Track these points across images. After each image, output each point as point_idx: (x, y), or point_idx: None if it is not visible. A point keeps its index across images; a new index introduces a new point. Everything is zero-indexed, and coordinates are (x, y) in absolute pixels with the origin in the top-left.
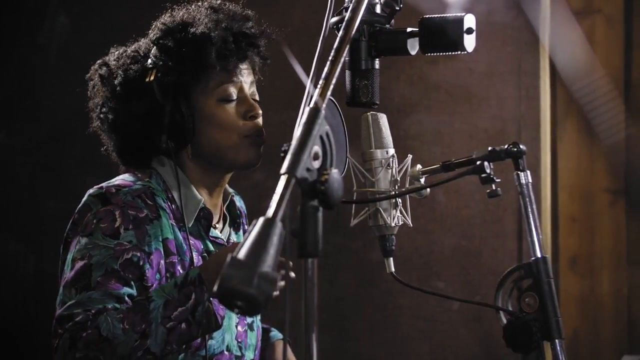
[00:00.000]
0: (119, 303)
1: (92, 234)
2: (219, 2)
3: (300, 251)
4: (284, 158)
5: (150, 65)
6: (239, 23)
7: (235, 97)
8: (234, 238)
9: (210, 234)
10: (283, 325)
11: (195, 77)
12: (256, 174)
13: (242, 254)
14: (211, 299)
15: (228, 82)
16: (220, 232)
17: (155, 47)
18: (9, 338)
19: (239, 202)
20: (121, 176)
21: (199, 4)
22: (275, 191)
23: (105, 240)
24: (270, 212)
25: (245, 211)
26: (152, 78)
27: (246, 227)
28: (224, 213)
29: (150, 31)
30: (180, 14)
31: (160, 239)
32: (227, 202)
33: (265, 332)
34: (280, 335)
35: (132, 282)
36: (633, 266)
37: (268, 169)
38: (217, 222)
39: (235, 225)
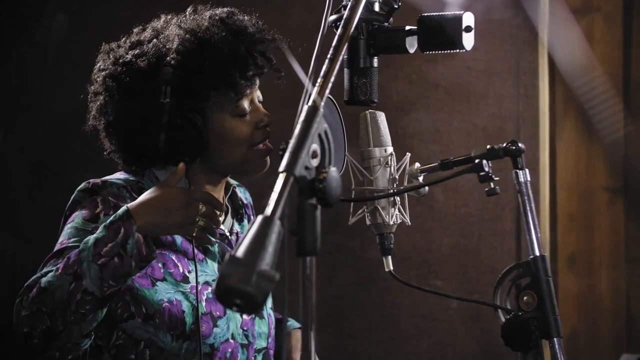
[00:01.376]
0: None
1: (73, 220)
2: (227, 11)
3: (298, 249)
4: (282, 156)
5: (168, 85)
6: (255, 38)
7: (248, 110)
8: (237, 229)
9: None
10: (281, 323)
11: (215, 100)
12: None
13: (240, 252)
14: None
15: (243, 97)
16: (222, 224)
17: (172, 69)
18: (7, 336)
19: (244, 194)
20: (113, 175)
21: (207, 13)
22: (274, 189)
23: (84, 224)
24: (268, 210)
25: (252, 202)
26: (167, 99)
27: (252, 217)
28: (226, 205)
29: (154, 35)
30: (189, 24)
31: None
32: (229, 193)
33: (280, 322)
34: (296, 324)
35: None
36: (631, 264)
37: None
38: (219, 215)
39: (238, 216)
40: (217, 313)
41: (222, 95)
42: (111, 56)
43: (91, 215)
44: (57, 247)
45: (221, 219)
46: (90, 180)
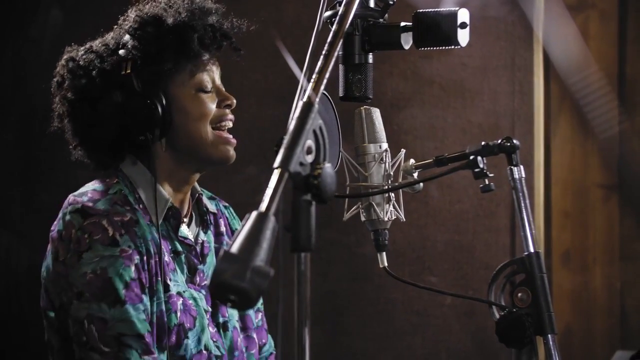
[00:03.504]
0: (144, 327)
1: (90, 247)
2: None
3: (293, 245)
4: (277, 152)
5: (127, 57)
6: (212, 15)
7: (210, 87)
8: (202, 238)
9: (180, 234)
10: (276, 319)
11: (175, 67)
12: (249, 168)
13: (235, 248)
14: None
15: (203, 72)
16: (188, 229)
17: (131, 38)
18: (2, 332)
19: (214, 204)
20: (90, 186)
21: None
22: (268, 185)
23: (108, 249)
24: (263, 206)
25: (228, 214)
26: (129, 70)
27: (222, 228)
28: (191, 213)
29: (116, 26)
30: (148, 7)
31: (149, 239)
32: (194, 199)
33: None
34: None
35: (146, 289)
36: (626, 261)
37: (261, 163)
38: (185, 216)
39: (204, 224)
40: (188, 325)
41: (181, 68)
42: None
43: (108, 239)
44: (95, 279)
45: (186, 220)
46: (77, 200)
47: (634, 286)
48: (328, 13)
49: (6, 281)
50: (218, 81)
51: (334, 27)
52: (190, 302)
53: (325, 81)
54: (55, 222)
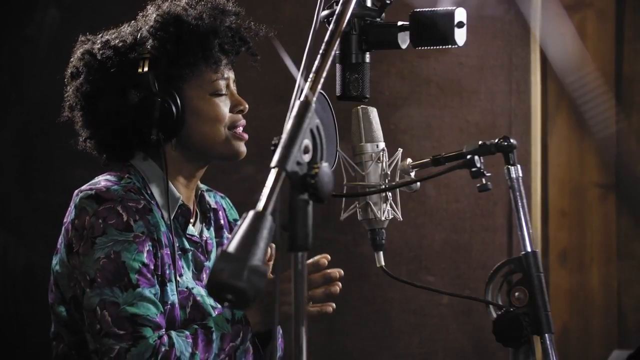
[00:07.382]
0: (157, 309)
1: (105, 232)
2: None
3: (290, 245)
4: (274, 151)
5: (147, 56)
6: (232, 18)
7: (224, 91)
8: (206, 235)
9: (187, 231)
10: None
11: (192, 70)
12: (246, 168)
13: (232, 247)
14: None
15: (219, 76)
16: (193, 226)
17: (152, 38)
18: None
19: (214, 198)
20: (102, 177)
21: None
22: (266, 185)
23: (122, 234)
24: (260, 205)
25: (225, 206)
26: (146, 69)
27: (221, 222)
28: (195, 211)
29: (133, 21)
30: (167, 6)
31: (161, 229)
32: (197, 197)
33: None
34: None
35: (156, 277)
36: (623, 260)
37: (258, 162)
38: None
39: (207, 220)
40: (198, 321)
41: (199, 71)
42: (89, 42)
43: (123, 225)
44: (108, 263)
45: (192, 220)
46: (92, 187)
47: (631, 285)
48: (325, 12)
49: (3, 280)
50: (232, 85)
51: (331, 26)
52: (199, 298)
53: (322, 80)
54: (67, 215)
